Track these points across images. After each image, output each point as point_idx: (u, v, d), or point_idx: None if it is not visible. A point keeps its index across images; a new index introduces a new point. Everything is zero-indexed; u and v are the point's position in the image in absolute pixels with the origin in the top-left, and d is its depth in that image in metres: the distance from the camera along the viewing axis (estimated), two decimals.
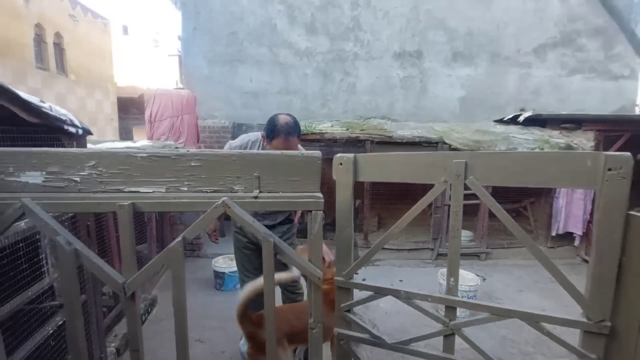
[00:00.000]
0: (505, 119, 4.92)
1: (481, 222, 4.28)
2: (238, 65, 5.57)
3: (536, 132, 4.35)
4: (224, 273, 3.44)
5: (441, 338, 1.24)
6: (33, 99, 1.19)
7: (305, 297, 2.06)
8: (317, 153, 1.04)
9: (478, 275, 3.42)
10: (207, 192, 0.94)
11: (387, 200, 4.86)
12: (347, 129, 4.45)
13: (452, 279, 1.18)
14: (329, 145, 4.63)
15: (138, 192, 0.89)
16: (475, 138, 4.14)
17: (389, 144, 4.30)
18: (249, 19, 5.45)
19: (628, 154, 0.93)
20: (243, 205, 0.94)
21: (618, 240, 0.95)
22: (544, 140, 4.12)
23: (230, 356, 2.39)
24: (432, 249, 4.42)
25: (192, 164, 0.92)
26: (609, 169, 0.92)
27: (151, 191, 0.90)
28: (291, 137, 1.79)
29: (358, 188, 1.48)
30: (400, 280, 3.74)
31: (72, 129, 1.41)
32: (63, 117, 1.33)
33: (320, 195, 1.02)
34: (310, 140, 4.41)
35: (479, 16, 5.38)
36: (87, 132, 1.52)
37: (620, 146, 3.97)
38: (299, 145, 1.92)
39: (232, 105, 5.64)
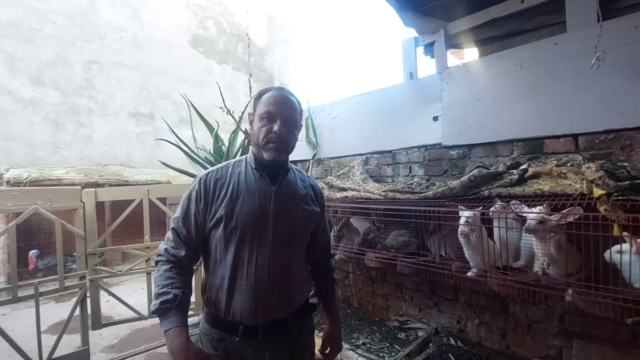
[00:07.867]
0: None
1: None
2: None
3: None
4: None
5: None
6: None
7: None
8: (78, 187, 2.35)
9: None
10: None
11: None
12: (86, 175, 5.19)
13: None
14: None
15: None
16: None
17: (126, 185, 5.44)
18: None
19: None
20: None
21: None
22: None
23: None
24: None
25: None
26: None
27: None
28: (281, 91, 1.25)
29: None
30: None
31: None
32: None
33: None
34: (46, 185, 4.79)
35: (197, 95, 7.63)
36: None
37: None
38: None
39: None
